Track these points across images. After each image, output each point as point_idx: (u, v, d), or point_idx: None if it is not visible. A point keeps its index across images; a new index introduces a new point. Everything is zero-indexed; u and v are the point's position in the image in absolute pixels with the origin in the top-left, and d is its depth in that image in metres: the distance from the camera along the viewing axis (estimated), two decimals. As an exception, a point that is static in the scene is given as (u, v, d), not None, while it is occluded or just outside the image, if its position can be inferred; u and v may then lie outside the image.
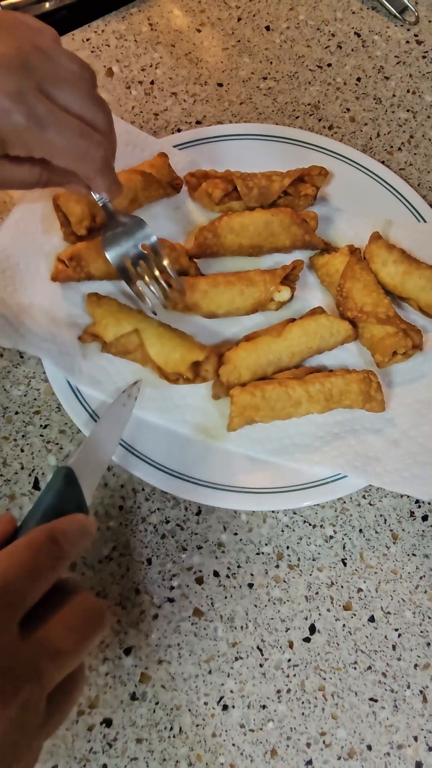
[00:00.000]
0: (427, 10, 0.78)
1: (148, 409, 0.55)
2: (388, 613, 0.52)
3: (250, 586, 0.52)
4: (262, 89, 0.72)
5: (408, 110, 0.73)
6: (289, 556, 0.53)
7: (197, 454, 0.54)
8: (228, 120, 0.70)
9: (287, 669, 0.50)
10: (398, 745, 0.48)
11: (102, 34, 0.74)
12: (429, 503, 0.56)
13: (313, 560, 0.53)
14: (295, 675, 0.50)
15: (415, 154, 0.70)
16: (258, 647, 0.50)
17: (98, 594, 0.51)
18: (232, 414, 0.52)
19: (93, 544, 0.52)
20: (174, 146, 0.65)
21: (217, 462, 0.54)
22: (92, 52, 0.73)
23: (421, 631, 0.51)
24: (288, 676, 0.50)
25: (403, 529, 0.55)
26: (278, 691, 0.49)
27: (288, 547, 0.53)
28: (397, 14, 0.77)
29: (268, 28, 0.76)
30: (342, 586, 0.53)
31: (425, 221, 0.64)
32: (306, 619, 0.51)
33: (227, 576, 0.52)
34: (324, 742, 0.48)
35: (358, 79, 0.74)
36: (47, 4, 0.76)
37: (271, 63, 0.74)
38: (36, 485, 0.54)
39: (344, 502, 0.55)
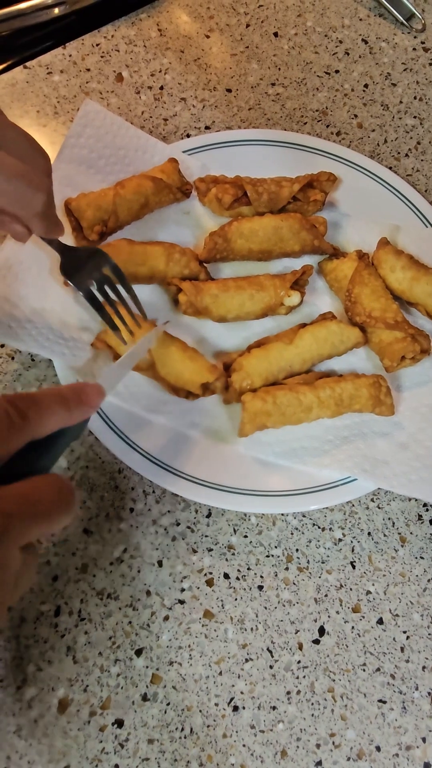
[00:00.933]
0: (433, 18, 0.79)
1: (158, 412, 0.56)
2: (397, 615, 0.52)
3: (260, 588, 0.53)
4: (271, 95, 0.73)
5: (415, 117, 0.73)
6: (298, 558, 0.54)
7: (207, 456, 0.55)
8: (237, 126, 0.71)
9: (297, 670, 0.50)
10: (407, 746, 0.49)
11: (112, 39, 0.75)
12: (436, 507, 0.56)
13: (322, 563, 0.54)
14: (304, 677, 0.50)
15: (422, 160, 0.71)
16: (268, 649, 0.51)
17: (109, 596, 0.51)
18: (244, 420, 0.53)
19: (104, 546, 0.53)
20: (183, 151, 0.66)
21: (227, 465, 0.54)
22: (102, 57, 0.73)
23: (429, 634, 0.52)
24: (298, 678, 0.50)
25: (411, 533, 0.55)
26: (288, 693, 0.50)
27: (297, 550, 0.54)
28: (404, 21, 0.78)
29: (276, 34, 0.77)
30: (351, 589, 0.53)
31: None
32: (315, 621, 0.52)
33: (237, 578, 0.53)
34: (333, 743, 0.48)
35: (366, 86, 0.75)
36: (56, 10, 0.77)
37: (279, 69, 0.75)
38: (47, 487, 0.54)
39: (353, 506, 0.56)
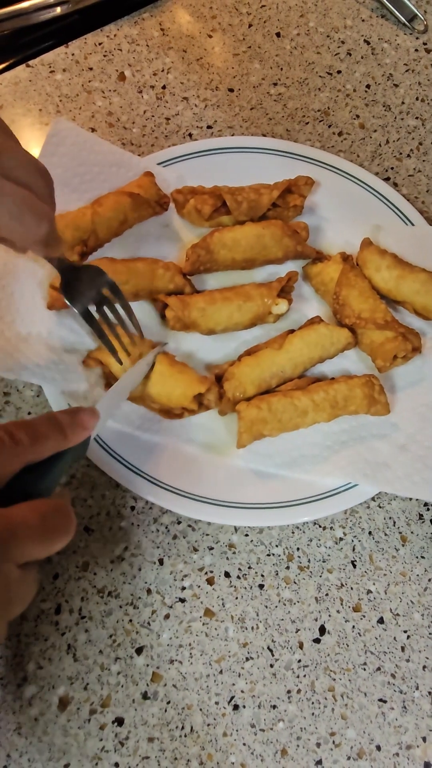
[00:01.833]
0: (435, 19, 0.79)
1: (154, 431, 0.55)
2: (397, 614, 0.52)
3: (261, 587, 0.53)
4: (273, 95, 0.73)
5: (417, 117, 0.73)
6: (299, 557, 0.54)
7: (207, 472, 0.54)
8: (238, 125, 0.71)
9: (297, 669, 0.50)
10: (407, 745, 0.49)
11: (114, 38, 0.75)
12: (437, 506, 0.56)
13: (323, 562, 0.54)
14: (305, 675, 0.50)
15: (424, 161, 0.71)
16: (268, 648, 0.51)
17: (110, 594, 0.51)
18: (241, 430, 0.53)
19: (105, 544, 0.53)
20: (158, 164, 0.65)
21: (228, 479, 0.54)
22: (104, 56, 0.73)
23: (430, 633, 0.52)
24: (298, 677, 0.50)
25: (411, 532, 0.55)
26: (288, 692, 0.50)
27: (298, 549, 0.54)
28: (406, 23, 0.78)
29: (278, 34, 0.77)
30: (352, 588, 0.53)
31: (413, 224, 0.65)
32: (316, 620, 0.52)
33: (238, 577, 0.53)
34: (334, 742, 0.48)
35: (368, 86, 0.75)
36: (59, 9, 0.77)
37: (282, 69, 0.75)
38: (48, 485, 0.54)
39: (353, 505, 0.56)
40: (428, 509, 0.56)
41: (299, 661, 0.51)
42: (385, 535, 0.55)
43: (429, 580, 0.54)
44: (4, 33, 0.74)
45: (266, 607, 0.52)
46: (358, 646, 0.51)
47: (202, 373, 0.58)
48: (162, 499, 0.52)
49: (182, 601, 0.52)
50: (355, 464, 0.54)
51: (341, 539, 0.55)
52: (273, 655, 0.51)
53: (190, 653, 0.50)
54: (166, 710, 0.48)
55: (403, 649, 0.51)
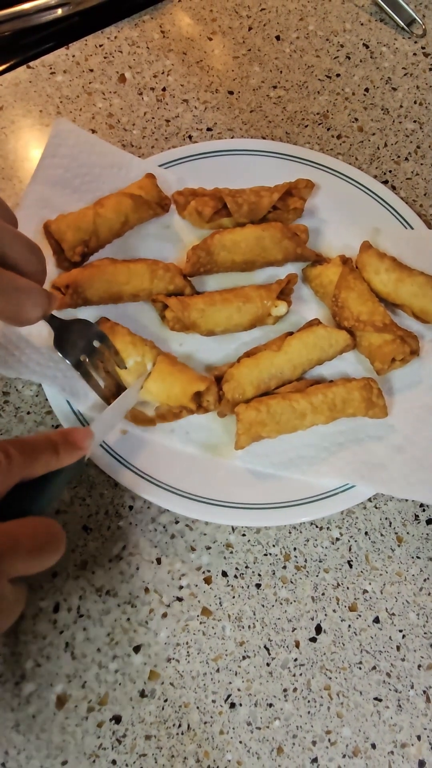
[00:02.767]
0: (434, 23, 0.80)
1: (151, 430, 0.56)
2: (393, 614, 0.53)
3: (258, 586, 0.53)
4: (272, 98, 0.74)
5: (415, 121, 0.74)
6: (296, 557, 0.54)
7: (204, 472, 0.54)
8: (238, 127, 0.71)
9: (294, 668, 0.51)
10: (402, 744, 0.49)
11: (115, 40, 0.75)
12: (433, 507, 0.57)
13: (320, 562, 0.54)
14: (301, 674, 0.51)
15: (422, 164, 0.71)
16: (265, 646, 0.51)
17: (108, 593, 0.52)
18: (239, 432, 0.53)
19: (103, 543, 0.53)
20: (159, 165, 0.65)
21: (225, 479, 0.54)
22: (105, 58, 0.74)
23: (425, 633, 0.52)
24: (294, 675, 0.50)
25: (407, 532, 0.56)
26: (285, 690, 0.50)
27: (295, 549, 0.54)
28: (404, 27, 0.78)
29: (278, 37, 0.77)
30: (348, 588, 0.54)
31: (412, 228, 0.65)
32: (312, 619, 0.52)
33: (235, 576, 0.53)
34: (329, 740, 0.49)
35: (366, 90, 0.75)
36: (60, 11, 0.77)
37: (281, 72, 0.75)
38: (47, 484, 0.55)
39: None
40: (424, 510, 0.57)
41: (295, 659, 0.51)
42: (381, 535, 0.55)
43: (424, 580, 0.54)
44: (4, 34, 0.75)
45: (263, 606, 0.52)
46: (354, 645, 0.52)
47: (201, 373, 0.58)
48: (160, 498, 0.53)
49: (180, 600, 0.52)
50: (352, 465, 0.55)
51: (338, 539, 0.55)
52: (269, 654, 0.51)
53: (188, 652, 0.50)
54: (163, 708, 0.49)
55: (398, 648, 0.52)
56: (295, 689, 0.50)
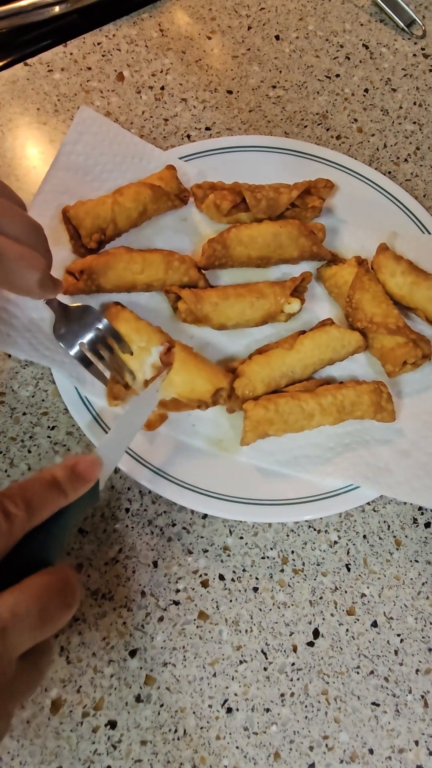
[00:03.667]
0: (433, 25, 0.80)
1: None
2: (391, 618, 0.53)
3: (255, 589, 0.53)
4: (271, 98, 0.73)
5: (414, 122, 0.74)
6: (293, 560, 0.54)
7: (209, 466, 0.54)
8: (237, 127, 0.71)
9: (291, 673, 0.50)
10: (399, 749, 0.49)
11: (113, 38, 0.74)
12: (431, 510, 0.56)
13: (318, 565, 0.54)
14: (298, 679, 0.50)
15: (421, 165, 0.71)
16: (262, 651, 0.51)
17: (104, 596, 0.51)
18: (246, 429, 0.53)
19: (99, 546, 0.53)
20: (180, 158, 0.65)
21: (229, 474, 0.54)
22: (103, 56, 0.73)
23: (423, 637, 0.52)
24: (292, 680, 0.50)
25: (406, 536, 0.55)
26: (282, 695, 0.50)
27: (293, 552, 0.54)
28: (404, 27, 0.78)
29: (277, 37, 0.77)
30: (346, 591, 0.53)
31: (429, 233, 0.65)
32: (310, 623, 0.52)
33: (232, 579, 0.53)
34: (327, 745, 0.48)
35: (366, 91, 0.75)
36: (58, 8, 0.77)
37: (280, 72, 0.75)
38: (43, 486, 0.54)
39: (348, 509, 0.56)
40: (422, 513, 0.56)
41: (293, 664, 0.51)
42: (380, 538, 0.55)
43: (423, 584, 0.54)
44: (2, 31, 0.74)
45: (260, 610, 0.52)
46: (352, 650, 0.51)
47: None
48: (162, 488, 0.52)
49: (176, 603, 0.51)
50: (356, 467, 0.54)
51: (336, 542, 0.55)
52: (267, 659, 0.51)
53: (184, 656, 0.50)
54: (159, 713, 0.48)
55: (396, 652, 0.52)
56: (292, 694, 0.50)
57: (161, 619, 0.51)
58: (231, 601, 0.52)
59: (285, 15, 0.79)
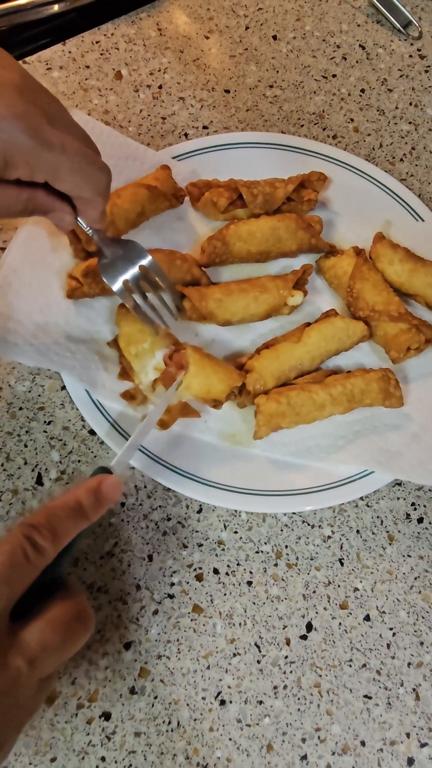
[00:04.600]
0: (430, 26, 0.80)
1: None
2: (383, 612, 0.53)
3: (249, 583, 0.53)
4: (268, 97, 0.74)
5: (410, 122, 0.74)
6: (287, 555, 0.54)
7: (225, 461, 0.55)
8: (234, 126, 0.71)
9: (284, 666, 0.51)
10: (391, 741, 0.49)
11: (111, 37, 0.75)
12: (424, 506, 0.57)
13: (311, 559, 0.54)
14: (291, 672, 0.51)
15: (416, 165, 0.72)
16: (256, 644, 0.51)
17: (99, 589, 0.51)
18: (259, 423, 0.53)
19: (95, 540, 0.53)
20: (173, 157, 0.66)
21: (246, 468, 0.55)
22: (101, 54, 0.74)
23: (415, 631, 0.53)
24: (285, 673, 0.51)
25: (398, 531, 0.56)
26: (275, 687, 0.50)
27: (287, 546, 0.54)
28: (401, 29, 0.79)
29: (275, 37, 0.78)
30: (339, 586, 0.54)
31: (423, 220, 0.66)
32: (303, 617, 0.52)
33: (227, 573, 0.53)
34: (319, 737, 0.49)
35: (362, 91, 0.76)
36: (56, 6, 0.77)
37: (278, 72, 0.75)
38: (39, 481, 0.55)
39: (342, 503, 0.56)
40: (415, 509, 0.57)
41: (286, 657, 0.51)
42: (373, 533, 0.56)
43: (415, 578, 0.54)
44: (1, 29, 0.75)
45: (254, 603, 0.52)
46: (345, 643, 0.52)
47: None
48: (173, 482, 0.53)
49: (171, 596, 0.52)
50: (369, 452, 0.55)
51: (329, 537, 0.55)
52: (260, 652, 0.51)
53: (178, 649, 0.50)
54: (153, 705, 0.49)
55: (388, 646, 0.52)
56: (285, 686, 0.50)
57: (156, 612, 0.51)
58: (225, 594, 0.52)
59: (282, 15, 0.79)
